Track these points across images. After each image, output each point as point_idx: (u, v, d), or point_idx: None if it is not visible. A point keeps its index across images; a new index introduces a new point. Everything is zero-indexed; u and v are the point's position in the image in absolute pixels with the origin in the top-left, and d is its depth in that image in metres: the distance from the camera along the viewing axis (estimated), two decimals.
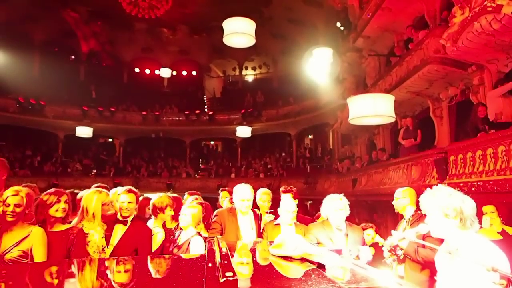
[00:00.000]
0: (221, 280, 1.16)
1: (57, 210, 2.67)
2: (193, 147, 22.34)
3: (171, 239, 3.48)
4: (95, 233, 2.87)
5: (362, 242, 3.25)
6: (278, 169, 18.58)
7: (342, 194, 3.25)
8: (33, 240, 2.47)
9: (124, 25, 20.83)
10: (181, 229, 3.45)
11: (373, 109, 6.80)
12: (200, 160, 22.57)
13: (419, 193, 3.40)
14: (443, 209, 1.92)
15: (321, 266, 1.69)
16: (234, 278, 1.17)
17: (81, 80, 22.33)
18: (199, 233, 3.45)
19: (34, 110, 18.18)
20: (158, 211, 3.50)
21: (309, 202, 14.51)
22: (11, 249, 2.42)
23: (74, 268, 1.82)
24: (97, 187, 3.67)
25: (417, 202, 3.37)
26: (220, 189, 5.17)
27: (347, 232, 3.18)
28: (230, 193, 4.82)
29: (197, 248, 3.26)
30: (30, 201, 2.61)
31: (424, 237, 2.22)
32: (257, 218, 3.78)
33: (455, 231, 1.96)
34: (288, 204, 3.51)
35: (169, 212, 3.54)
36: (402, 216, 3.54)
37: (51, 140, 19.91)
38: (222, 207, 4.57)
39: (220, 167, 20.12)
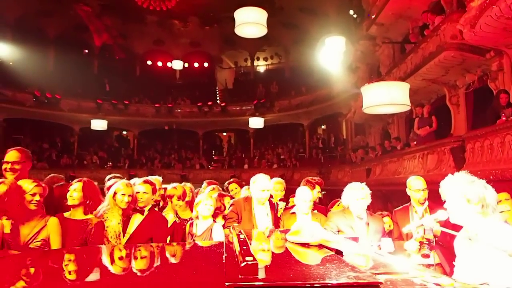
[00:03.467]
0: (242, 265, 1.18)
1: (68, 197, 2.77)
2: (206, 139, 22.45)
3: (183, 228, 3.54)
4: (113, 219, 2.94)
5: (382, 232, 3.24)
6: (291, 159, 18.55)
7: (364, 183, 3.23)
8: (50, 229, 2.58)
9: (135, 18, 20.90)
10: (191, 218, 3.50)
11: (388, 97, 6.68)
12: (213, 151, 22.68)
13: (435, 182, 3.36)
14: (466, 195, 1.90)
15: (338, 253, 1.70)
16: (254, 262, 1.18)
17: (95, 73, 22.56)
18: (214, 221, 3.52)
19: (50, 104, 18.47)
20: (167, 199, 3.59)
21: (323, 192, 14.45)
22: (34, 239, 2.53)
23: (98, 255, 1.86)
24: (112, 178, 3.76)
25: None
26: (227, 182, 5.13)
27: (368, 221, 3.17)
28: (238, 184, 4.85)
29: (219, 235, 3.33)
30: (45, 192, 2.71)
31: (451, 225, 2.19)
32: (273, 207, 3.81)
33: (476, 217, 1.93)
34: (305, 193, 3.52)
35: (177, 201, 3.59)
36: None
37: (67, 133, 20.26)
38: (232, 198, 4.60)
39: (233, 158, 20.19)
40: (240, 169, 18.33)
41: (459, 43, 7.12)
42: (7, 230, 2.52)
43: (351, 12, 15.05)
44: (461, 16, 6.57)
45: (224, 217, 3.72)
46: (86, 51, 22.94)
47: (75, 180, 2.89)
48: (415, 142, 9.23)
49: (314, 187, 4.19)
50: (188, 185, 3.96)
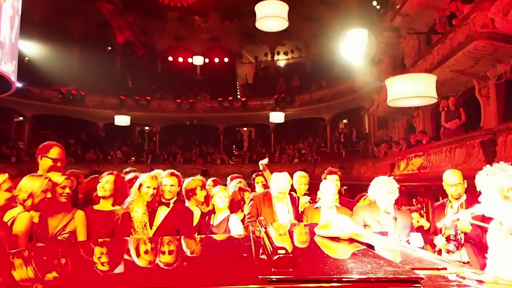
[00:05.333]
0: (275, 258, 1.14)
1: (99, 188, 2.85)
2: (227, 134, 22.53)
3: (206, 221, 3.55)
4: (138, 209, 2.99)
5: (411, 227, 3.15)
6: (312, 154, 18.39)
7: (392, 177, 3.14)
8: (76, 222, 2.66)
9: (156, 15, 21.12)
10: (213, 212, 3.51)
11: (414, 90, 6.51)
12: (234, 146, 22.74)
13: (464, 176, 3.22)
14: (503, 190, 1.80)
15: (369, 247, 1.64)
16: (288, 255, 1.14)
17: (118, 70, 22.94)
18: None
19: (75, 100, 18.93)
20: (190, 194, 3.55)
21: (344, 187, 14.28)
22: (62, 231, 2.60)
23: (126, 247, 1.87)
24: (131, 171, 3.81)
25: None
26: (255, 174, 5.17)
27: (395, 216, 3.08)
28: (265, 180, 4.82)
29: (236, 226, 3.35)
30: (74, 185, 2.79)
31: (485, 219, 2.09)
32: (294, 201, 3.76)
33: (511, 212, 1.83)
34: (329, 187, 3.47)
35: (200, 192, 3.57)
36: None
37: (92, 128, 20.74)
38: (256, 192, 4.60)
39: (253, 153, 20.19)
40: None
41: (490, 32, 6.83)
42: (35, 220, 2.60)
43: (374, 3, 14.71)
44: (493, 3, 6.29)
45: (243, 211, 3.72)
46: (109, 48, 23.34)
47: (106, 173, 2.96)
48: None
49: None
50: (200, 178, 3.90)
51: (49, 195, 2.50)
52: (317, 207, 3.58)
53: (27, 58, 17.44)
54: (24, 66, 15.12)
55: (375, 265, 1.24)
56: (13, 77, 4.08)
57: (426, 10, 10.58)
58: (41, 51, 17.66)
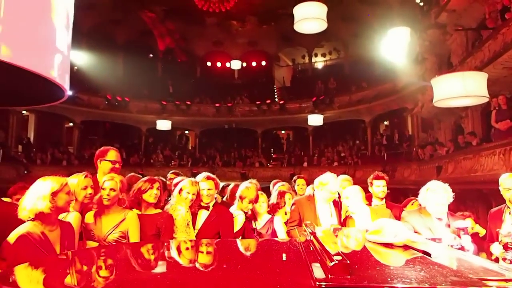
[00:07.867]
0: (331, 264, 1.11)
1: (150, 195, 2.88)
2: (265, 137, 22.56)
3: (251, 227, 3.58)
4: (182, 207, 3.05)
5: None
6: (352, 157, 17.97)
7: (447, 184, 2.94)
8: (128, 223, 2.69)
9: (196, 21, 21.63)
10: (252, 216, 3.53)
11: (463, 89, 6.16)
12: (272, 149, 22.72)
13: None
14: None
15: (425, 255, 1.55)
16: (345, 262, 1.10)
17: (159, 76, 23.72)
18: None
19: (120, 106, 19.74)
20: (249, 202, 3.45)
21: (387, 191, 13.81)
22: (113, 231, 2.65)
23: (175, 250, 1.90)
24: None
25: None
26: (296, 176, 5.14)
27: (448, 222, 2.91)
28: (306, 180, 4.78)
29: (280, 226, 3.41)
30: (123, 187, 2.81)
31: None
32: (337, 205, 3.68)
33: None
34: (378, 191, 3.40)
35: (247, 204, 3.50)
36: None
37: (135, 133, 21.57)
38: (297, 194, 4.57)
39: (292, 156, 20.07)
40: (299, 166, 18.14)
41: None
42: (91, 221, 2.69)
43: (417, 0, 14.19)
44: None
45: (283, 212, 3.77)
46: (151, 55, 24.21)
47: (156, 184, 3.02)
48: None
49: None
50: (254, 182, 3.89)
51: (89, 190, 2.55)
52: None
53: (76, 67, 18.47)
54: (74, 75, 15.97)
55: (438, 274, 1.17)
56: (66, 86, 4.32)
57: (475, 5, 10.04)
58: (89, 60, 18.65)
